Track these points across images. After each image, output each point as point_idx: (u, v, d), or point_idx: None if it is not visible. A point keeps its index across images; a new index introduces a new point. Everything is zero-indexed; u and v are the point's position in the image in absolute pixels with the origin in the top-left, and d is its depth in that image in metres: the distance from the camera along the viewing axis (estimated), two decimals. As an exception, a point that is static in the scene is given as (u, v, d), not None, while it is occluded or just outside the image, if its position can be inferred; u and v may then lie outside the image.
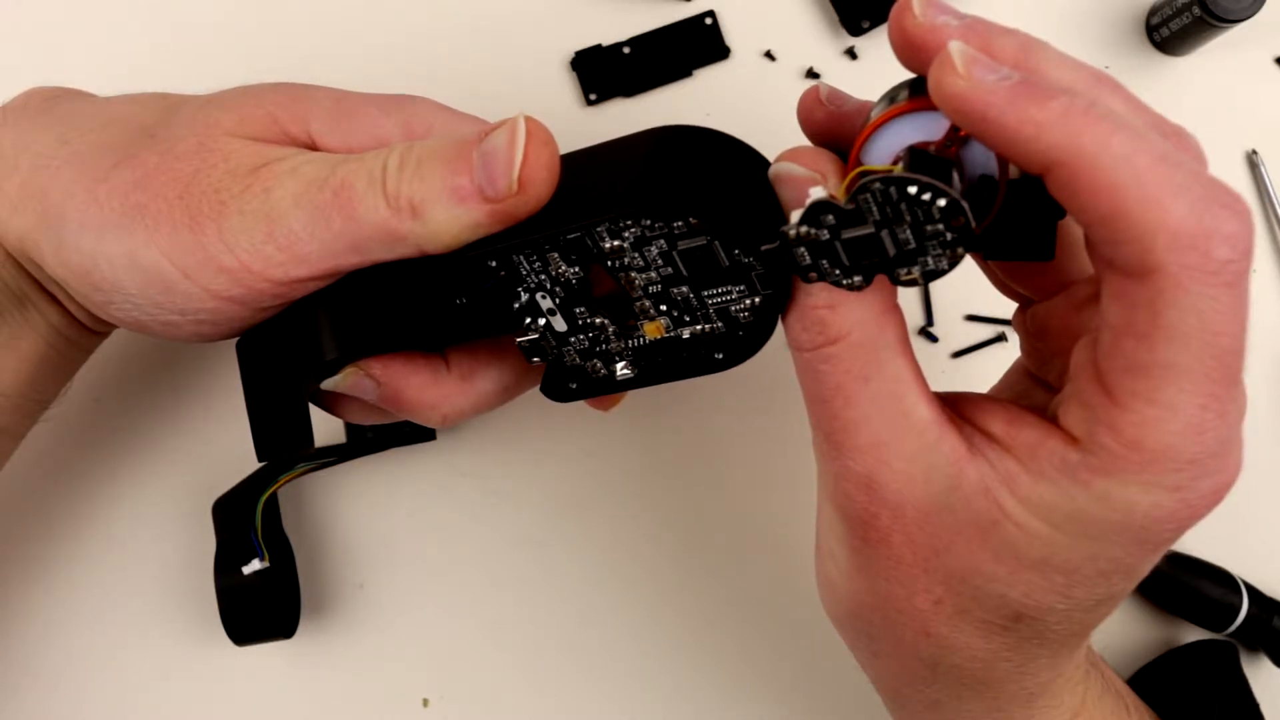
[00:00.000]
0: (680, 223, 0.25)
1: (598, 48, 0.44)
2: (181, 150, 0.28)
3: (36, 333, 0.32)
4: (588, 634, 0.42)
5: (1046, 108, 0.21)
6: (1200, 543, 0.42)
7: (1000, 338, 0.43)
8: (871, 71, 0.44)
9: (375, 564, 0.42)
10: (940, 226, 0.22)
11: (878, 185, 0.22)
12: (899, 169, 0.22)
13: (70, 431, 0.41)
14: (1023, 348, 0.29)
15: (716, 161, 0.26)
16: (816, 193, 0.23)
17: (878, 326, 0.24)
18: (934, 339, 0.43)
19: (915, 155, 0.22)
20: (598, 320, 0.28)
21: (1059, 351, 0.27)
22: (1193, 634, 0.42)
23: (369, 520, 0.42)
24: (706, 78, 0.44)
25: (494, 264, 0.27)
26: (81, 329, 0.33)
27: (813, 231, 0.23)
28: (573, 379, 0.29)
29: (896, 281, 0.23)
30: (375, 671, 0.41)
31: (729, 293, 0.26)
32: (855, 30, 0.44)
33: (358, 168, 0.27)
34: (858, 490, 0.25)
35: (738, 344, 0.27)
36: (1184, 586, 0.41)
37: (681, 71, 0.44)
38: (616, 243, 0.25)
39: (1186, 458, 0.21)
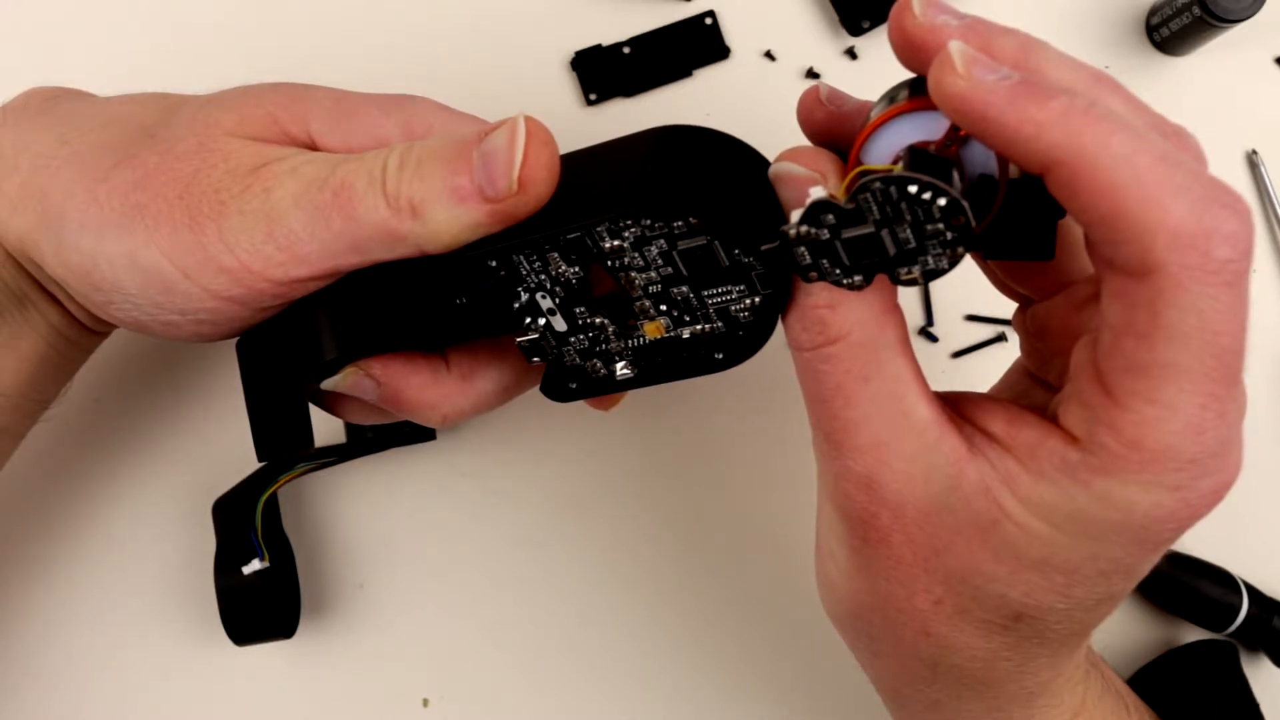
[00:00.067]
0: (680, 223, 0.25)
1: (598, 48, 0.44)
2: (181, 150, 0.28)
3: (36, 333, 0.32)
4: (588, 634, 0.42)
5: (1046, 107, 0.21)
6: (1200, 543, 0.42)
7: (1000, 338, 0.43)
8: (871, 71, 0.44)
9: (375, 564, 0.42)
10: (940, 226, 0.22)
11: (878, 185, 0.22)
12: (899, 168, 0.22)
13: (70, 431, 0.41)
14: (1023, 348, 0.29)
15: (716, 161, 0.26)
16: (816, 192, 0.23)
17: (878, 326, 0.24)
18: (934, 339, 0.43)
19: (915, 155, 0.22)
20: (598, 320, 0.28)
21: (1059, 351, 0.27)
22: (1193, 634, 0.42)
23: (369, 520, 0.42)
24: (706, 78, 0.44)
25: (494, 264, 0.27)
26: (81, 329, 0.33)
27: (813, 231, 0.23)
28: (573, 379, 0.29)
29: (896, 281, 0.23)
30: (375, 671, 0.41)
31: (729, 292, 0.26)
32: (855, 30, 0.44)
33: (358, 168, 0.27)
34: (858, 490, 0.25)
35: (738, 344, 0.27)
36: (1184, 586, 0.41)
37: (681, 71, 0.44)
38: (616, 243, 0.25)
39: (1186, 457, 0.21)
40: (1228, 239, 0.20)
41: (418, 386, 0.29)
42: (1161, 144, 0.21)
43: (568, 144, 0.27)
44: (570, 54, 0.44)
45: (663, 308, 0.27)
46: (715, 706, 0.41)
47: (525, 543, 0.42)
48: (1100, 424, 0.22)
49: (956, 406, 0.26)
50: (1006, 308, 0.30)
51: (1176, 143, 0.23)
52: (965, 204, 0.21)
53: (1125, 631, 0.42)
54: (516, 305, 0.28)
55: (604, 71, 0.44)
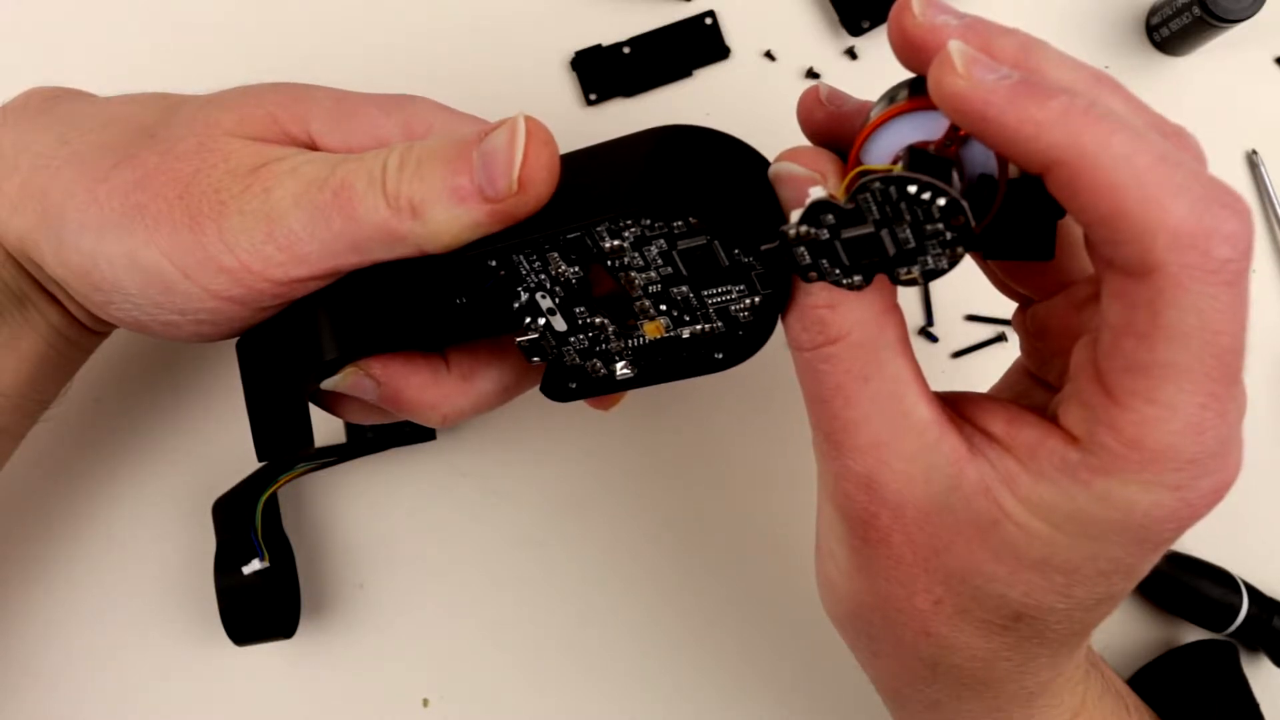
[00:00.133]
0: (680, 222, 0.25)
1: (598, 48, 0.44)
2: (181, 150, 0.28)
3: (36, 333, 0.32)
4: (588, 634, 0.42)
5: (1046, 107, 0.21)
6: (1200, 543, 0.42)
7: (1000, 338, 0.43)
8: (871, 71, 0.44)
9: (375, 564, 0.42)
10: (940, 226, 0.22)
11: (877, 185, 0.22)
12: (899, 168, 0.22)
13: (70, 431, 0.41)
14: (1023, 348, 0.29)
15: (716, 161, 0.26)
16: (816, 192, 0.23)
17: (878, 326, 0.24)
18: (934, 339, 0.43)
19: (915, 155, 0.22)
20: (597, 320, 0.28)
21: (1059, 351, 0.27)
22: (1193, 634, 0.42)
23: (369, 520, 0.42)
24: (706, 78, 0.44)
25: (494, 264, 0.27)
26: (81, 329, 0.33)
27: (813, 231, 0.23)
28: (572, 379, 0.29)
29: (896, 281, 0.23)
30: (375, 671, 0.41)
31: (729, 292, 0.26)
32: (855, 30, 0.44)
33: (358, 168, 0.27)
34: (858, 490, 0.25)
35: (738, 344, 0.27)
36: (1184, 586, 0.41)
37: (681, 71, 0.44)
38: (616, 242, 0.25)
39: (1186, 457, 0.21)
40: (1228, 239, 0.20)
41: (418, 386, 0.29)
42: (1161, 144, 0.21)
43: (568, 144, 0.27)
44: (570, 54, 0.44)
45: (663, 308, 0.27)
46: (715, 706, 0.41)
47: (525, 543, 0.42)
48: (1100, 424, 0.22)
49: (956, 406, 0.26)
50: (1006, 308, 0.30)
51: (1176, 143, 0.23)
52: (965, 204, 0.21)
53: (1125, 631, 0.42)
54: (516, 305, 0.28)
55: (604, 71, 0.44)
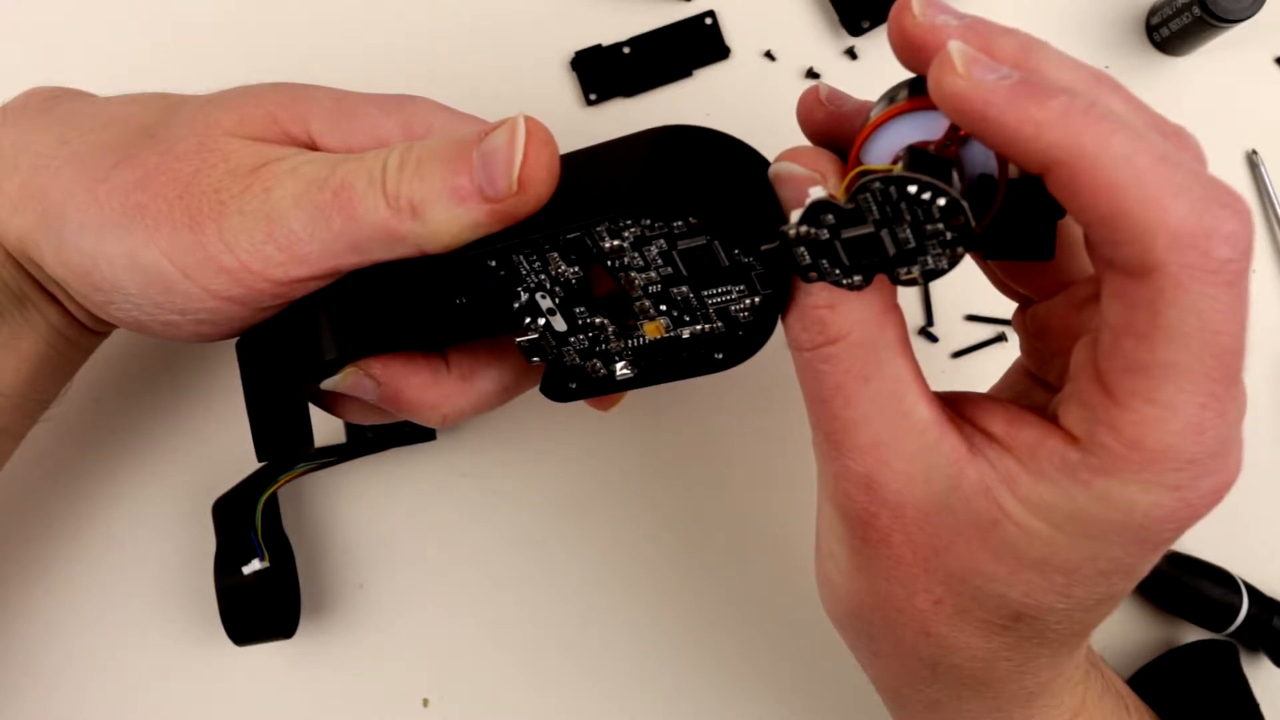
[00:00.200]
0: (680, 222, 0.25)
1: (598, 48, 0.44)
2: (181, 150, 0.28)
3: (36, 333, 0.32)
4: (588, 634, 0.42)
5: (1046, 107, 0.21)
6: (1200, 543, 0.42)
7: (1000, 338, 0.43)
8: (871, 71, 0.44)
9: (375, 564, 0.42)
10: (940, 226, 0.22)
11: (877, 185, 0.22)
12: (899, 168, 0.22)
13: (70, 431, 0.41)
14: (1023, 348, 0.29)
15: (716, 161, 0.26)
16: (816, 192, 0.23)
17: (878, 326, 0.24)
18: (934, 339, 0.43)
19: (915, 155, 0.22)
20: (597, 320, 0.28)
21: (1059, 351, 0.27)
22: (1193, 634, 0.42)
23: (369, 520, 0.42)
24: (706, 78, 0.44)
25: (494, 264, 0.27)
26: (81, 329, 0.33)
27: (812, 231, 0.23)
28: (572, 379, 0.29)
29: (896, 281, 0.23)
30: (375, 671, 0.41)
31: (729, 292, 0.26)
32: (855, 30, 0.44)
33: (358, 168, 0.27)
34: (858, 490, 0.25)
35: (737, 344, 0.27)
36: (1184, 586, 0.41)
37: (681, 71, 0.44)
38: (616, 242, 0.25)
39: (1186, 457, 0.21)
40: (1228, 239, 0.20)
41: (418, 386, 0.29)
42: (1161, 144, 0.21)
43: (568, 144, 0.27)
44: (570, 54, 0.44)
45: (662, 308, 0.27)
46: (715, 706, 0.41)
47: (525, 543, 0.42)
48: (1100, 424, 0.22)
49: (956, 406, 0.26)
50: (1006, 308, 0.30)
51: (1176, 143, 0.23)
52: (965, 204, 0.21)
53: (1125, 631, 0.42)
54: (516, 305, 0.28)
55: (604, 71, 0.44)
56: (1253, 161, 0.44)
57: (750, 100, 0.44)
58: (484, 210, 0.26)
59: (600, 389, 0.29)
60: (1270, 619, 0.40)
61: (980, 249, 0.25)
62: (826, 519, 0.27)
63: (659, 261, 0.26)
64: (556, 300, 0.27)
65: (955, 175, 0.22)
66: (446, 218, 0.26)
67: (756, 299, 0.26)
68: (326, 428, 0.40)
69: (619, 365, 0.29)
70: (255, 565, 0.37)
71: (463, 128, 0.31)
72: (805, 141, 0.27)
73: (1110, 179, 0.20)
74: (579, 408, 0.32)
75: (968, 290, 0.40)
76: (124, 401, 0.42)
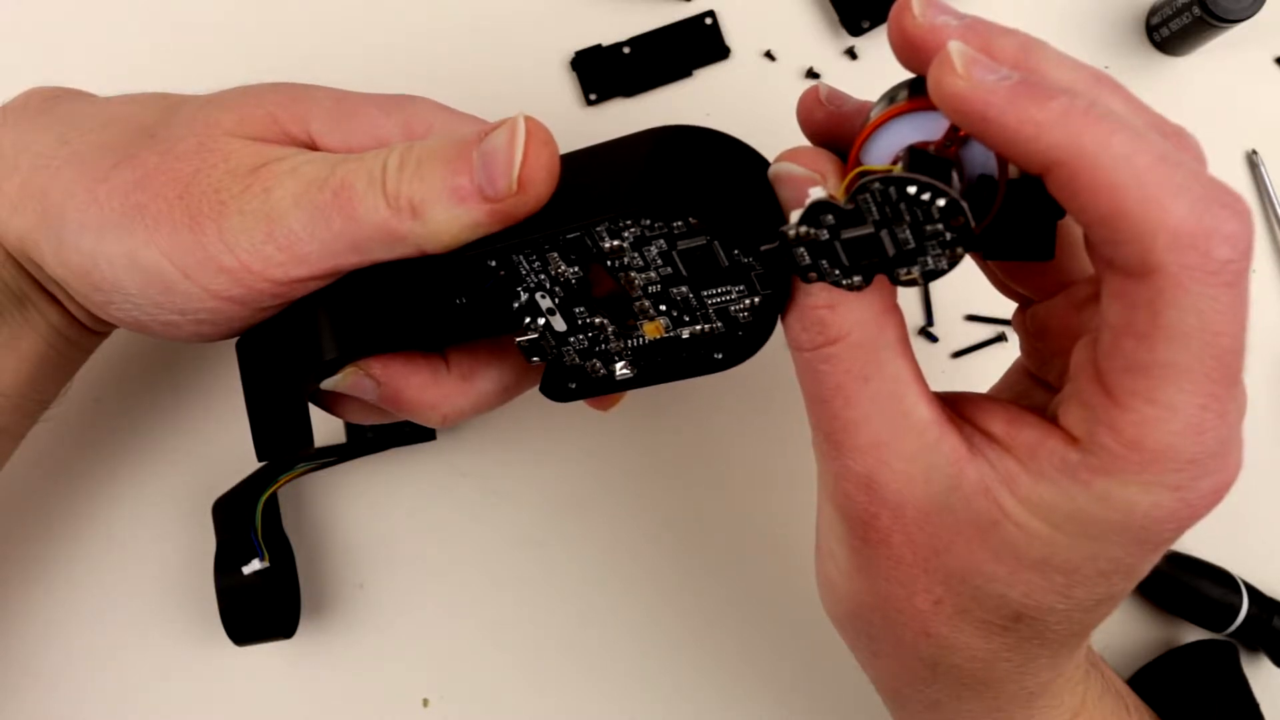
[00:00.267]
0: (680, 223, 0.25)
1: (598, 48, 0.44)
2: (181, 150, 0.28)
3: (36, 333, 0.32)
4: (588, 634, 0.42)
5: (1046, 108, 0.21)
6: (1200, 543, 0.42)
7: (1000, 338, 0.43)
8: (871, 71, 0.44)
9: (375, 564, 0.42)
10: (940, 226, 0.22)
11: (877, 185, 0.22)
12: (898, 169, 0.22)
13: (70, 431, 0.41)
14: (1023, 348, 0.29)
15: (716, 161, 0.26)
16: (816, 193, 0.23)
17: (877, 326, 0.24)
18: (934, 339, 0.43)
19: (915, 155, 0.22)
20: (597, 320, 0.28)
21: (1059, 351, 0.27)
22: (1193, 634, 0.42)
23: (369, 520, 0.42)
24: (706, 78, 0.44)
25: (494, 264, 0.27)
26: (81, 329, 0.33)
27: (812, 231, 0.23)
28: (572, 379, 0.29)
29: (896, 281, 0.23)
30: (375, 671, 0.41)
31: (728, 293, 0.26)
32: (855, 30, 0.44)
33: (357, 168, 0.27)
34: (858, 490, 0.25)
35: (737, 344, 0.27)
36: (1184, 586, 0.41)
37: (681, 71, 0.44)
38: (616, 242, 0.25)
39: (1186, 457, 0.21)
40: (1228, 239, 0.20)
41: (418, 386, 0.29)
42: (1161, 144, 0.21)
43: (568, 144, 0.27)
44: (570, 54, 0.44)
45: (662, 308, 0.27)
46: (715, 706, 0.41)
47: (525, 543, 0.42)
48: (1100, 424, 0.22)
49: (956, 407, 0.26)
50: (1006, 308, 0.30)
51: (1176, 143, 0.23)
52: (964, 204, 0.21)
53: (1125, 631, 0.42)
54: (516, 305, 0.28)
55: (604, 71, 0.44)
56: (1253, 161, 0.44)
57: (750, 100, 0.44)
58: (484, 210, 0.26)
59: (600, 389, 0.29)
60: (1270, 619, 0.40)
61: (980, 249, 0.25)
62: (826, 519, 0.27)
63: (659, 262, 0.26)
64: (556, 300, 0.27)
65: (955, 176, 0.22)
66: (446, 218, 0.26)
67: (756, 299, 0.26)
68: (326, 428, 0.40)
69: (619, 365, 0.29)
70: (255, 565, 0.37)
71: (463, 128, 0.31)
72: (805, 142, 0.27)
73: (1110, 179, 0.20)
74: (579, 408, 0.32)
75: (968, 290, 0.40)
76: (124, 401, 0.42)
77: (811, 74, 0.44)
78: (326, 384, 0.29)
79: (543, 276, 0.27)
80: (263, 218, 0.27)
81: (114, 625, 0.41)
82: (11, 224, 0.29)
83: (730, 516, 0.42)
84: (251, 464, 0.36)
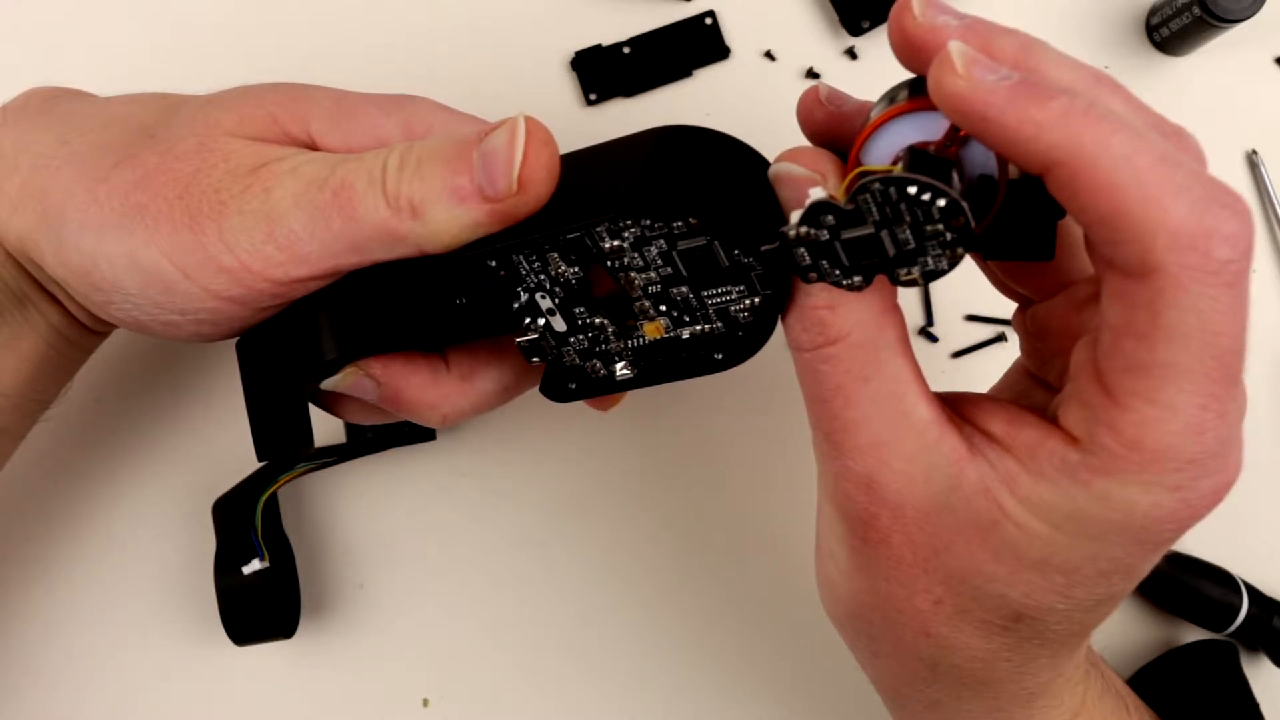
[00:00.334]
0: (680, 223, 0.25)
1: (598, 48, 0.44)
2: (181, 150, 0.28)
3: (36, 333, 0.32)
4: (588, 634, 0.42)
5: (1046, 108, 0.21)
6: (1200, 543, 0.42)
7: (1000, 338, 0.43)
8: (871, 71, 0.44)
9: (375, 564, 0.42)
10: (940, 226, 0.22)
11: (877, 185, 0.22)
12: (899, 169, 0.22)
13: (70, 431, 0.41)
14: (1023, 348, 0.29)
15: (716, 162, 0.26)
16: (816, 193, 0.23)
17: (878, 327, 0.24)
18: (934, 339, 0.43)
19: (915, 155, 0.22)
20: (597, 320, 0.28)
21: (1059, 351, 0.27)
22: (1193, 634, 0.42)
23: (369, 520, 0.42)
24: (706, 78, 0.44)
25: (494, 264, 0.27)
26: (81, 329, 0.33)
27: (812, 232, 0.23)
28: (572, 379, 0.29)
29: (896, 282, 0.23)
30: (375, 671, 0.41)
31: (729, 293, 0.26)
32: (855, 30, 0.44)
33: (357, 168, 0.27)
34: (858, 490, 0.25)
35: (737, 344, 0.27)
36: (1184, 586, 0.41)
37: (681, 71, 0.44)
38: (616, 243, 0.25)
39: (1186, 458, 0.21)
40: (1228, 239, 0.20)
41: (418, 386, 0.29)
42: (1161, 144, 0.21)
43: (568, 144, 0.27)
44: (570, 54, 0.44)
45: (662, 308, 0.27)
46: (715, 706, 0.41)
47: (525, 543, 0.42)
48: (1100, 424, 0.22)
49: (956, 407, 0.26)
50: (1006, 308, 0.30)
51: (1176, 143, 0.23)
52: (965, 204, 0.21)
53: (1125, 631, 0.42)
54: (516, 305, 0.28)
55: (604, 71, 0.44)
56: (1253, 161, 0.44)
57: (750, 100, 0.44)
58: (484, 210, 0.26)
59: (600, 389, 0.29)
60: (1270, 619, 0.40)
61: (980, 249, 0.25)
62: (826, 519, 0.27)
63: (659, 262, 0.26)
64: (556, 300, 0.27)
65: (955, 176, 0.22)
66: (446, 218, 0.26)
67: (756, 299, 0.26)
68: (326, 428, 0.40)
69: (619, 365, 0.29)
70: (255, 565, 0.37)
71: (463, 128, 0.31)
72: (805, 142, 0.27)
73: (1110, 179, 0.20)
74: (579, 408, 0.32)
75: (968, 290, 0.40)
76: (124, 401, 0.42)
77: (811, 74, 0.44)
78: (326, 384, 0.29)
79: (543, 277, 0.27)
80: (263, 218, 0.27)
81: (114, 625, 0.41)
82: (11, 224, 0.29)
83: (730, 516, 0.42)
84: (251, 464, 0.36)
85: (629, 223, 0.25)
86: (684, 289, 0.26)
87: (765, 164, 0.25)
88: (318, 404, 0.31)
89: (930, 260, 0.23)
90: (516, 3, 0.44)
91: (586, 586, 0.42)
